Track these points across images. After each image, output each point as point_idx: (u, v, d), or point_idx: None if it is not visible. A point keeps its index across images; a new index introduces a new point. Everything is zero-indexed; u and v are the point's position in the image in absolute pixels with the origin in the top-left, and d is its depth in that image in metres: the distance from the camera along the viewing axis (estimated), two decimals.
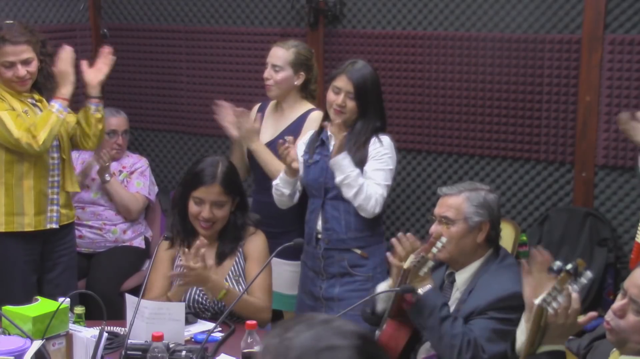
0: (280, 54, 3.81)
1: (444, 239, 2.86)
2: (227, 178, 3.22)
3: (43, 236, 3.71)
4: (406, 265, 2.86)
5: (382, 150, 3.49)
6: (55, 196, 3.69)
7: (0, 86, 3.62)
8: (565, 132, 4.01)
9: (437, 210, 2.99)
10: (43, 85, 3.70)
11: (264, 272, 3.15)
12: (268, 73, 3.82)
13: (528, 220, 4.15)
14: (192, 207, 3.21)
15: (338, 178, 3.44)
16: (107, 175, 4.33)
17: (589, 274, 2.33)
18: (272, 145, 3.84)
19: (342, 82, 3.49)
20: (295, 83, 3.83)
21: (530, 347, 2.42)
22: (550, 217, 4.04)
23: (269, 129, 3.92)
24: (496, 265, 2.93)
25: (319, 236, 3.58)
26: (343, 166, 3.43)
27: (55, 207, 3.69)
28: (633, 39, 3.82)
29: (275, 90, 3.84)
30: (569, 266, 2.31)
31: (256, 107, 4.05)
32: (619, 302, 2.26)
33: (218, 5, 4.82)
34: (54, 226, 3.70)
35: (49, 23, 4.81)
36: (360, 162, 3.48)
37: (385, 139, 3.52)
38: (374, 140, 3.50)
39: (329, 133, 3.60)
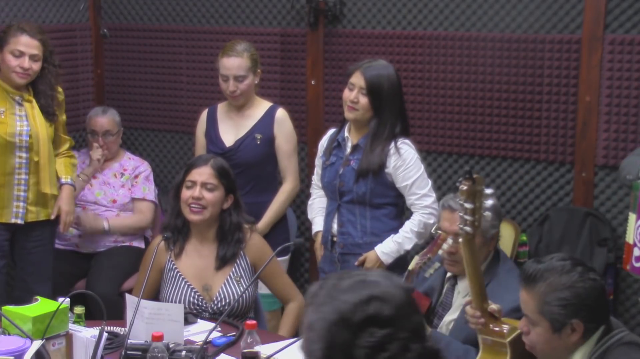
0: (239, 63, 3.82)
1: (450, 240, 2.85)
2: (219, 166, 3.28)
3: (10, 228, 3.82)
4: (411, 266, 2.85)
5: (402, 161, 3.45)
6: (22, 194, 3.79)
7: None
8: (565, 132, 4.01)
9: (450, 227, 2.89)
10: (42, 91, 3.80)
11: (280, 269, 3.37)
12: (233, 85, 3.82)
13: (528, 220, 4.15)
14: (184, 193, 3.23)
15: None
16: (76, 227, 4.30)
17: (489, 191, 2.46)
18: (240, 146, 3.86)
19: (355, 78, 3.48)
20: (256, 82, 3.91)
21: (481, 301, 2.57)
22: (550, 217, 4.04)
23: (231, 131, 3.94)
24: (500, 270, 2.91)
25: (335, 239, 3.58)
26: (391, 254, 3.46)
27: (21, 204, 3.80)
28: (633, 39, 3.82)
29: (243, 98, 3.89)
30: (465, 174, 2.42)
31: (204, 114, 4.06)
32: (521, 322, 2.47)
33: (218, 5, 4.82)
34: (19, 221, 3.81)
35: (49, 23, 4.80)
36: (379, 166, 3.45)
37: (403, 147, 3.46)
38: (392, 150, 3.45)
39: (345, 134, 3.58)
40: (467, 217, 2.43)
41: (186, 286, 3.23)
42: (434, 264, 2.86)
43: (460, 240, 2.50)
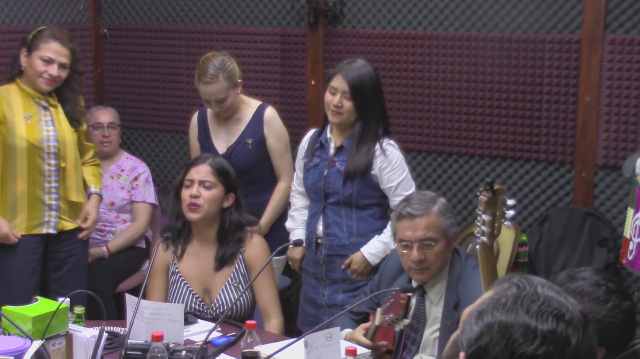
0: (217, 89, 3.72)
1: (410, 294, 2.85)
2: (218, 164, 3.26)
3: (44, 239, 3.70)
4: (377, 322, 2.82)
5: (388, 162, 3.44)
6: (53, 202, 3.68)
7: (18, 84, 3.66)
8: (565, 132, 4.01)
9: (414, 235, 2.86)
10: (68, 97, 3.73)
11: (272, 281, 3.26)
12: (217, 107, 3.76)
13: (528, 220, 4.15)
14: (183, 193, 3.22)
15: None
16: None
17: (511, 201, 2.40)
18: (232, 152, 3.84)
19: (337, 82, 3.45)
20: (239, 92, 3.84)
21: None
22: (550, 217, 4.04)
23: (222, 137, 3.91)
24: (465, 268, 2.88)
25: (319, 241, 3.55)
26: (378, 255, 3.44)
27: (54, 213, 3.69)
28: (633, 39, 3.82)
29: (229, 111, 3.83)
30: (486, 185, 2.37)
31: (195, 117, 4.03)
32: None
33: (218, 5, 4.82)
34: (52, 231, 3.70)
35: (49, 23, 4.80)
36: (365, 167, 3.43)
37: (388, 148, 3.46)
38: (378, 151, 3.44)
39: (328, 135, 3.57)
40: (484, 228, 2.40)
41: (187, 290, 3.23)
42: (402, 321, 2.82)
43: (478, 247, 2.46)
